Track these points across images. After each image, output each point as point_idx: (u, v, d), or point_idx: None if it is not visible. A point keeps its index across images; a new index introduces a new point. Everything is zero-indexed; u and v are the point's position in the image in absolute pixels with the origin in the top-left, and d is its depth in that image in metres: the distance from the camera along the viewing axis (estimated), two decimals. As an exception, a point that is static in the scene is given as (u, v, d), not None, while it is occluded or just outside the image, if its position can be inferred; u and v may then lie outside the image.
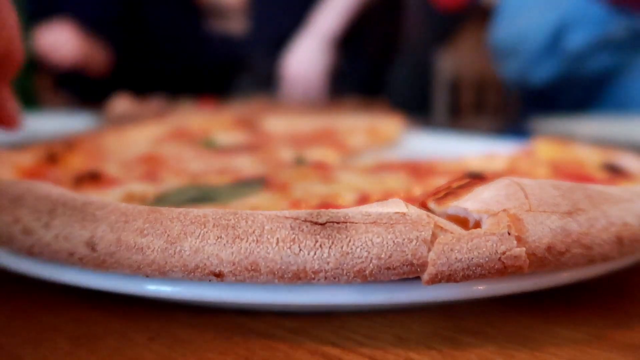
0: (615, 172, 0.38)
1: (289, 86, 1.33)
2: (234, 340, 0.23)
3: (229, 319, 0.24)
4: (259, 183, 0.39)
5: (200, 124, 0.54)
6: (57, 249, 0.22)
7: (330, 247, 0.20)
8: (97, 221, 0.22)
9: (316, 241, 0.20)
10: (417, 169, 0.45)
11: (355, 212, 0.21)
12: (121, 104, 0.61)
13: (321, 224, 0.20)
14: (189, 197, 0.35)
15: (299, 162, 0.48)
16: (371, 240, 0.20)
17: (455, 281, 0.20)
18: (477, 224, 0.23)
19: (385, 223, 0.20)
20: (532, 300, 0.26)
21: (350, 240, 0.20)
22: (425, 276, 0.20)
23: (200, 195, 0.36)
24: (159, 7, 1.47)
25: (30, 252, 0.23)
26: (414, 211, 0.22)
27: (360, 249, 0.20)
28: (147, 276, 0.21)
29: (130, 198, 0.34)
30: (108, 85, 1.14)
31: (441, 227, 0.21)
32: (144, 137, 0.51)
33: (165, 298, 0.23)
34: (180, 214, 0.21)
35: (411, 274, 0.20)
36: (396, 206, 0.23)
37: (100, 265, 0.22)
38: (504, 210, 0.22)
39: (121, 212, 0.22)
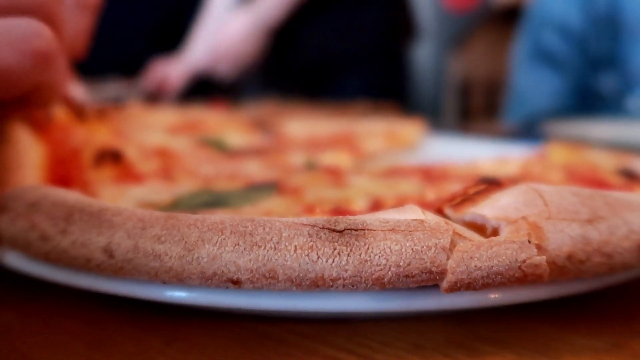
0: (630, 178, 0.38)
1: (215, 57, 1.32)
2: (249, 346, 0.23)
3: (245, 324, 0.24)
4: (271, 188, 0.39)
5: (215, 121, 0.54)
6: (75, 256, 0.22)
7: (348, 255, 0.20)
8: (114, 227, 0.22)
9: (334, 249, 0.20)
10: (430, 174, 0.44)
11: (373, 219, 0.21)
12: (133, 108, 0.62)
13: (339, 231, 0.20)
14: (202, 201, 0.35)
15: (310, 166, 0.48)
16: (389, 248, 0.20)
17: (475, 289, 0.20)
18: (495, 231, 0.23)
19: (404, 230, 0.20)
20: (550, 308, 0.26)
21: (368, 248, 0.20)
22: (445, 284, 0.20)
23: (213, 199, 0.36)
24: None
25: (47, 259, 0.23)
26: (432, 218, 0.21)
27: (379, 257, 0.20)
28: (165, 283, 0.21)
29: (147, 204, 0.34)
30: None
31: (460, 235, 0.21)
32: (160, 122, 0.51)
33: (181, 304, 0.23)
34: (197, 220, 0.21)
35: (430, 281, 0.20)
36: (413, 212, 0.23)
37: (118, 272, 0.22)
38: (523, 217, 0.22)
39: (138, 218, 0.22)
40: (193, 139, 0.49)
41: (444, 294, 0.21)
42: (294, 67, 1.36)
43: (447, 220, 0.21)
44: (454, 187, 0.40)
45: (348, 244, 0.20)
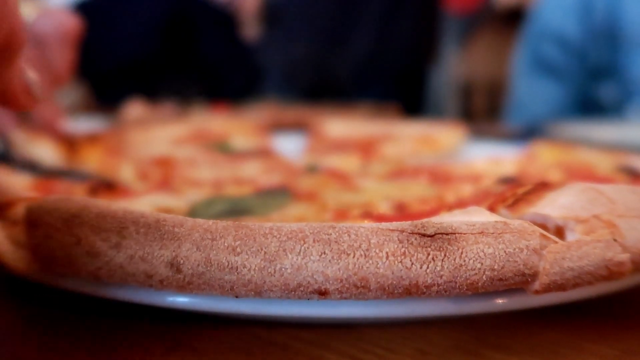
0: (633, 175, 0.39)
1: None
2: (252, 352, 0.22)
3: (247, 330, 0.23)
4: (284, 193, 0.38)
5: (221, 127, 0.52)
6: (132, 272, 0.20)
7: (442, 260, 0.19)
8: (178, 239, 0.20)
9: (428, 254, 0.19)
10: (434, 174, 0.44)
11: (457, 222, 0.20)
12: (135, 108, 0.58)
13: (430, 236, 0.19)
14: (221, 210, 0.34)
15: (312, 169, 0.47)
16: (483, 251, 0.19)
17: (565, 290, 0.20)
18: (560, 230, 0.23)
19: (493, 233, 0.20)
20: (557, 314, 0.25)
21: (462, 252, 0.19)
22: (537, 286, 0.20)
23: (231, 207, 0.34)
24: (206, 24, 1.46)
25: (96, 276, 0.21)
26: (511, 219, 0.21)
27: (474, 261, 0.19)
28: (238, 297, 0.20)
29: (164, 209, 0.32)
30: (123, 89, 1.09)
31: (544, 236, 0.20)
32: (165, 135, 0.49)
33: (183, 309, 0.22)
34: (273, 228, 0.20)
35: (521, 284, 0.20)
36: (482, 214, 0.22)
37: (185, 287, 0.20)
38: (595, 216, 0.22)
39: (204, 228, 0.20)
40: (200, 146, 0.47)
41: (449, 300, 0.20)
42: (329, 76, 1.44)
43: (529, 222, 0.21)
44: (466, 188, 0.40)
45: (441, 249, 0.19)
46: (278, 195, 0.37)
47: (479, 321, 0.25)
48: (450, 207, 0.26)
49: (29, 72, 0.25)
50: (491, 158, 0.50)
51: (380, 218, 0.31)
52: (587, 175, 0.43)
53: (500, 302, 0.22)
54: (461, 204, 0.30)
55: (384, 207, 0.35)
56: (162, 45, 1.39)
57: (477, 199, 0.31)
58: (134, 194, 0.36)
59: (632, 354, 0.23)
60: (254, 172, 0.44)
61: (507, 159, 0.50)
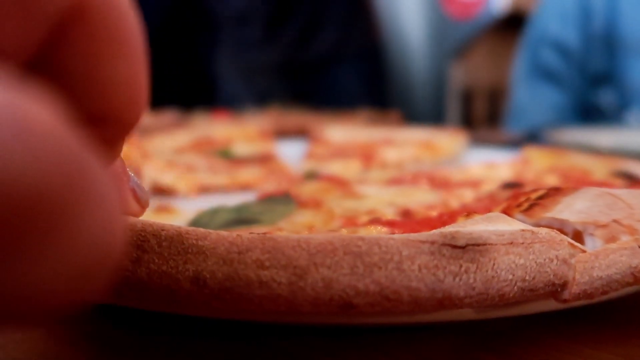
0: (631, 180, 0.40)
1: None
2: (249, 357, 0.22)
3: (249, 336, 0.23)
4: (288, 200, 0.37)
5: (224, 133, 0.51)
6: (154, 287, 0.20)
7: (475, 272, 0.19)
8: (203, 253, 0.19)
9: (460, 266, 0.19)
10: (432, 180, 0.44)
11: (486, 231, 0.20)
12: None
13: (461, 248, 0.19)
14: (228, 219, 0.33)
15: (310, 175, 0.47)
16: (514, 262, 0.19)
17: (593, 298, 0.20)
18: (578, 235, 0.23)
19: (522, 243, 0.20)
20: (557, 319, 0.25)
21: (494, 264, 0.19)
22: (567, 295, 0.20)
23: (237, 216, 0.34)
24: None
25: (118, 291, 0.20)
26: (537, 228, 0.21)
27: (505, 272, 0.19)
28: (266, 312, 0.19)
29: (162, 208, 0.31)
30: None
31: (571, 244, 0.20)
32: (167, 146, 0.48)
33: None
34: (300, 241, 0.19)
35: (550, 295, 0.20)
36: (504, 221, 0.22)
37: (212, 302, 0.19)
38: (615, 220, 0.22)
39: (229, 241, 0.20)
40: (201, 153, 0.46)
41: None
42: (298, 63, 1.46)
43: (556, 231, 0.21)
44: (467, 193, 0.40)
45: (473, 261, 0.19)
46: (282, 202, 0.37)
47: (478, 326, 0.25)
48: (468, 213, 0.26)
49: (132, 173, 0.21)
50: (486, 163, 0.50)
51: (390, 224, 0.31)
52: (582, 179, 0.43)
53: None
54: (467, 210, 0.30)
55: (389, 214, 0.34)
56: (158, 46, 1.38)
57: (483, 204, 0.31)
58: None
59: (631, 359, 0.22)
60: (252, 178, 0.44)
61: (501, 165, 0.50)
